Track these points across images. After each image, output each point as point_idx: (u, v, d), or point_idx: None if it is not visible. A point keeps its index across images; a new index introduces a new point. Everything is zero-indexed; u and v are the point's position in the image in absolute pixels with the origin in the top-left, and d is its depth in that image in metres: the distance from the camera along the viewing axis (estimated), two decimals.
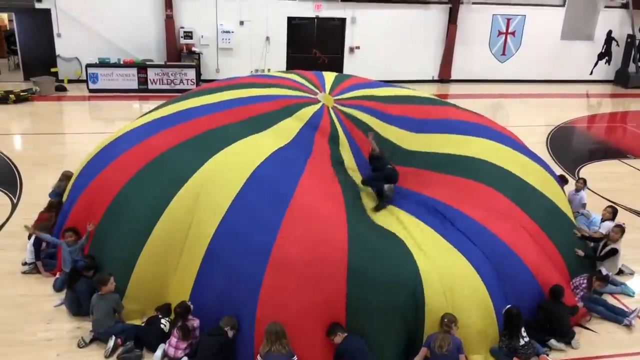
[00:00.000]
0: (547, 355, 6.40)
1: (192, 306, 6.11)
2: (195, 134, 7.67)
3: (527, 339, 6.20)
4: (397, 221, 7.23)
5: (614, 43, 21.80)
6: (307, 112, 8.97)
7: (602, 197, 10.60)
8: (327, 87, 10.07)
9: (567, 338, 6.61)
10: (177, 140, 7.53)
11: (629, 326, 7.01)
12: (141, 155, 7.34)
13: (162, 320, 6.23)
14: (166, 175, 6.94)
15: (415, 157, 8.71)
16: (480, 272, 6.41)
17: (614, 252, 7.74)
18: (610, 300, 7.51)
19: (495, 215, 7.20)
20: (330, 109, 9.33)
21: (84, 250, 7.24)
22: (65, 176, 8.76)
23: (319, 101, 9.38)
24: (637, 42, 21.47)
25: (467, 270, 6.40)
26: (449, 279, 6.23)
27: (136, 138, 7.81)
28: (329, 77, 10.58)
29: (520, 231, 7.12)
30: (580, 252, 7.57)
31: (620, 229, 7.84)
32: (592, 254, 7.81)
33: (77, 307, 6.71)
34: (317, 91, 9.76)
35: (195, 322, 6.06)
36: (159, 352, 6.06)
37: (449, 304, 6.09)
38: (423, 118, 9.36)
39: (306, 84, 10.04)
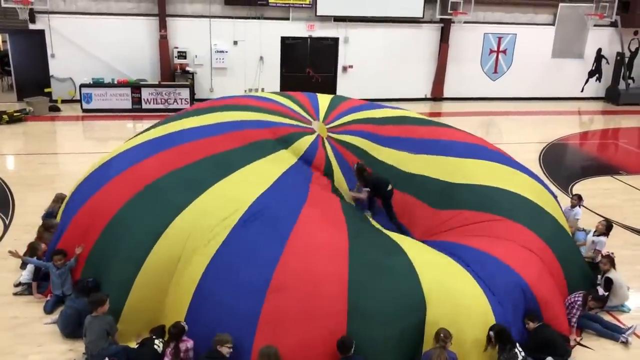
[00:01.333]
0: None
1: (186, 327, 6.03)
2: (191, 161, 7.61)
3: (523, 354, 6.15)
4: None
5: (603, 61, 22.06)
6: (302, 145, 8.93)
7: (595, 213, 10.63)
8: (321, 114, 10.11)
9: (566, 357, 6.56)
10: (173, 167, 7.48)
11: (625, 343, 6.97)
12: (136, 180, 7.31)
13: (156, 342, 6.15)
14: (162, 204, 6.89)
15: (413, 181, 8.69)
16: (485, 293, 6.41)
17: (609, 282, 7.65)
18: (606, 317, 7.48)
19: (498, 239, 7.22)
20: (325, 139, 9.35)
21: (74, 273, 7.18)
22: (58, 198, 8.72)
23: (314, 131, 9.39)
24: (626, 59, 21.75)
25: (474, 292, 6.38)
26: (455, 307, 6.19)
27: (130, 161, 7.78)
28: (323, 102, 10.59)
29: (522, 249, 7.11)
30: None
31: (609, 260, 7.81)
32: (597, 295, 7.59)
33: (71, 329, 6.61)
34: (311, 119, 9.79)
35: (189, 343, 5.98)
36: None
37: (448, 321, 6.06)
38: (419, 138, 9.37)
39: (301, 112, 10.05)
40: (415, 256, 6.68)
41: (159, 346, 6.09)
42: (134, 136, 9.52)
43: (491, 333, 6.07)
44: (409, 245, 7.06)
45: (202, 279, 6.28)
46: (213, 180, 7.24)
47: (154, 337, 6.18)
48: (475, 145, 9.36)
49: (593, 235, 8.57)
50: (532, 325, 6.54)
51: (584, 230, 9.04)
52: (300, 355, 5.78)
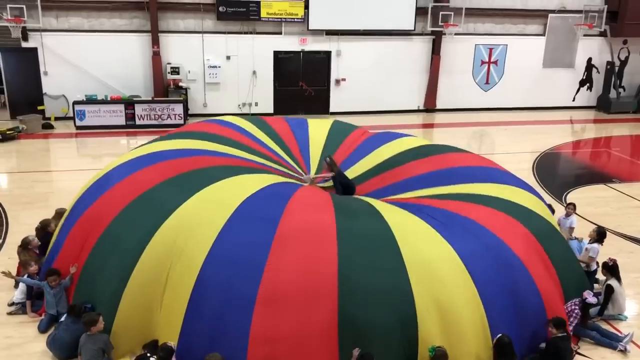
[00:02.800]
0: None
1: (174, 347, 5.95)
2: (181, 172, 7.64)
3: None
4: (398, 219, 7.16)
5: (594, 70, 22.26)
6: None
7: (589, 221, 10.67)
8: (313, 168, 10.06)
9: None
10: (163, 177, 7.50)
11: (623, 351, 6.97)
12: (126, 193, 7.32)
13: (150, 356, 6.08)
14: (150, 212, 6.89)
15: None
16: (483, 294, 6.32)
17: (610, 289, 7.64)
18: (603, 325, 7.48)
19: (499, 222, 7.20)
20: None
21: (69, 292, 7.13)
22: (58, 213, 8.70)
23: (305, 183, 9.40)
24: (616, 68, 21.96)
25: (468, 289, 6.31)
26: (445, 301, 6.14)
27: (121, 175, 7.80)
28: (315, 149, 10.45)
29: (526, 244, 7.05)
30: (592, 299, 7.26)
31: (608, 268, 7.80)
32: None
33: (66, 354, 6.52)
34: (302, 172, 9.83)
35: None
36: None
37: (441, 329, 6.03)
38: (402, 180, 9.31)
39: (290, 162, 10.05)
40: (393, 225, 6.74)
41: None
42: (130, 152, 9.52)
43: (494, 340, 6.06)
44: (409, 224, 7.03)
45: (193, 292, 6.22)
46: (201, 186, 7.23)
47: (147, 354, 6.12)
48: (473, 168, 9.26)
49: (587, 243, 8.57)
50: (554, 332, 6.43)
51: (576, 239, 9.05)
52: (294, 349, 5.82)
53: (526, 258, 6.81)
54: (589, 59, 22.15)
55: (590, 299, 7.07)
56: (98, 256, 6.88)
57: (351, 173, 9.94)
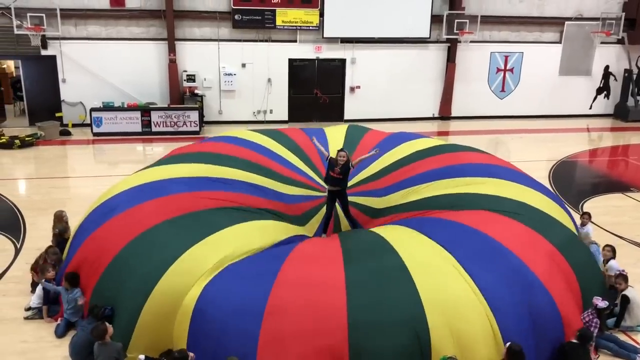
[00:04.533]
0: None
1: (191, 357, 5.91)
2: (186, 212, 7.60)
3: None
4: (405, 239, 7.10)
5: (611, 78, 22.04)
6: (318, 218, 9.13)
7: (606, 230, 10.54)
8: None
9: None
10: (175, 214, 7.48)
11: None
12: (131, 227, 7.32)
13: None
14: (161, 248, 6.86)
15: (423, 203, 8.60)
16: (494, 306, 6.19)
17: (626, 300, 7.53)
18: (621, 337, 7.37)
19: (521, 242, 7.05)
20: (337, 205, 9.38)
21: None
22: (57, 216, 8.84)
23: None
24: (634, 76, 21.72)
25: (477, 304, 6.19)
26: (456, 318, 6.03)
27: (128, 203, 7.84)
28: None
29: (548, 261, 6.94)
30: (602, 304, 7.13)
31: (623, 278, 7.68)
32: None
33: (83, 355, 6.57)
34: (326, 186, 9.77)
35: None
36: None
37: (455, 345, 5.94)
38: (423, 172, 9.36)
39: (313, 176, 10.13)
40: (408, 258, 6.55)
41: None
42: (145, 168, 9.64)
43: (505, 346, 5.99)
44: (400, 243, 6.92)
45: (197, 303, 6.22)
46: (203, 235, 7.11)
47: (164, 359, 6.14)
48: (489, 166, 9.33)
49: (604, 264, 8.43)
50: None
51: (595, 243, 8.90)
52: None
53: (547, 278, 6.68)
54: (606, 67, 21.95)
55: (601, 303, 6.94)
56: (112, 279, 6.92)
57: (369, 171, 9.99)
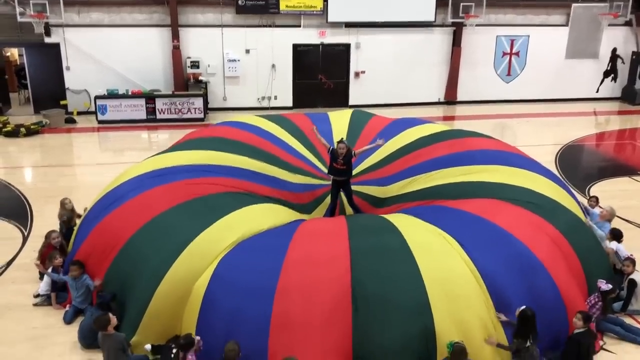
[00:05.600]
0: None
1: (198, 341, 5.93)
2: (195, 197, 7.63)
3: (531, 342, 6.07)
4: (411, 227, 7.11)
5: (619, 60, 21.82)
6: (324, 207, 9.21)
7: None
8: None
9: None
10: (184, 199, 7.51)
11: None
12: (141, 211, 7.36)
13: (174, 347, 6.10)
14: (173, 233, 6.90)
15: (427, 192, 8.59)
16: (493, 290, 6.23)
17: (633, 284, 7.52)
18: (627, 320, 7.37)
19: (525, 228, 7.05)
20: (342, 194, 9.40)
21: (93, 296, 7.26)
22: (62, 203, 8.88)
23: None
24: None
25: (474, 284, 6.22)
26: (456, 297, 6.06)
27: (137, 189, 7.87)
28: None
29: (551, 246, 6.93)
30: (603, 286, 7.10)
31: (631, 262, 7.66)
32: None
33: (90, 340, 6.65)
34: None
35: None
36: None
37: (457, 326, 5.96)
38: (428, 160, 9.34)
39: (318, 164, 10.13)
40: (410, 239, 6.59)
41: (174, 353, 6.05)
42: (155, 155, 9.65)
43: (516, 312, 6.02)
44: (404, 226, 6.95)
45: (208, 287, 6.27)
46: (223, 213, 7.18)
47: (173, 346, 6.17)
48: (493, 152, 9.28)
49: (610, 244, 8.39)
50: (579, 324, 6.33)
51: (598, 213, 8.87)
52: (314, 354, 5.76)
53: (551, 264, 6.67)
54: (614, 49, 21.72)
55: (604, 286, 6.91)
56: (123, 265, 6.95)
57: (373, 159, 9.96)
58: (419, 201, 8.47)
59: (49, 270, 7.63)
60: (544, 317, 6.29)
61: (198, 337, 6.01)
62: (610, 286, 6.95)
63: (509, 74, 21.35)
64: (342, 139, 9.21)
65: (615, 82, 22.16)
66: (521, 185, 8.00)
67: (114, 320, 6.27)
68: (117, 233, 7.22)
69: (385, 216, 7.56)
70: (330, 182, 9.21)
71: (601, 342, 6.86)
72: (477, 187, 8.11)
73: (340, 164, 8.69)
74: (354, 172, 9.73)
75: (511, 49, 21.03)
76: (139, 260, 6.78)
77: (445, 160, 9.15)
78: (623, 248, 8.09)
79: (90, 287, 7.19)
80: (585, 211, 9.05)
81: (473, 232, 6.85)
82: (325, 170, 9.73)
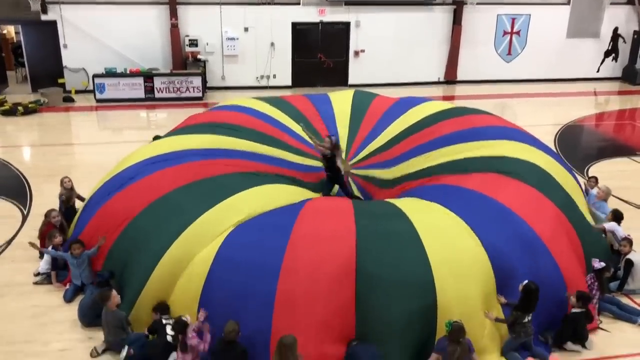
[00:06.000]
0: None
1: (189, 321, 6.00)
2: (201, 178, 7.64)
3: (530, 318, 6.15)
4: (411, 206, 7.18)
5: (620, 40, 21.66)
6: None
7: (612, 195, 10.49)
8: (343, 148, 9.95)
9: (583, 340, 6.55)
10: (189, 180, 7.52)
11: None
12: (154, 189, 7.40)
13: (167, 327, 6.13)
14: (177, 213, 6.92)
15: (432, 171, 8.61)
16: (497, 266, 6.30)
17: (630, 263, 7.56)
18: (623, 299, 7.43)
19: (527, 205, 7.09)
20: (349, 178, 9.43)
21: (96, 264, 7.29)
22: (62, 181, 8.90)
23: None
24: None
25: (483, 262, 6.28)
26: (462, 276, 6.12)
27: (143, 172, 7.88)
28: (342, 123, 10.37)
29: (553, 223, 6.96)
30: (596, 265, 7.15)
31: (628, 242, 7.70)
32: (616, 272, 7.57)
33: (90, 318, 6.72)
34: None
35: (194, 341, 5.89)
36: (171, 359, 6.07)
37: (461, 305, 6.02)
38: (432, 139, 9.31)
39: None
40: (417, 220, 6.61)
41: (170, 333, 6.11)
42: (157, 139, 9.60)
43: (520, 286, 6.09)
44: (411, 209, 6.97)
45: (212, 265, 6.29)
46: (228, 194, 7.18)
47: (162, 317, 6.22)
48: (496, 128, 9.30)
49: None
50: (574, 302, 6.40)
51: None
52: (317, 332, 5.81)
53: (552, 241, 6.73)
54: (615, 29, 21.55)
55: (597, 264, 6.97)
56: (127, 241, 6.99)
57: (380, 140, 9.94)
58: (421, 179, 8.50)
59: (49, 248, 7.65)
60: (544, 296, 6.33)
61: (202, 311, 6.07)
62: (603, 264, 7.00)
63: (509, 54, 21.21)
64: (330, 134, 8.94)
65: (616, 61, 22.03)
66: (522, 158, 8.00)
67: (117, 298, 6.33)
68: (121, 214, 7.25)
69: (392, 201, 7.54)
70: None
71: (597, 321, 6.92)
72: (479, 162, 8.12)
73: (325, 166, 8.55)
74: (360, 155, 9.74)
75: (512, 28, 20.86)
76: (141, 239, 6.82)
77: (448, 138, 9.14)
78: (620, 229, 8.13)
79: (91, 256, 7.25)
80: (585, 192, 9.08)
81: (476, 210, 6.89)
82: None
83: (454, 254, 6.25)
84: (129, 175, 7.94)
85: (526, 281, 6.14)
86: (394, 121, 10.30)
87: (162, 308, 6.31)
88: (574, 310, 6.47)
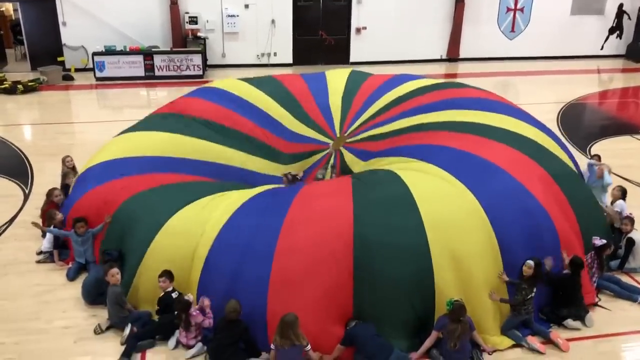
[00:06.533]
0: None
1: (191, 300, 6.05)
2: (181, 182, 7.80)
3: (533, 294, 6.20)
4: (408, 168, 7.23)
5: (625, 17, 21.41)
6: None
7: (614, 174, 10.45)
8: (336, 125, 10.01)
9: (581, 310, 6.58)
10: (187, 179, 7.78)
11: None
12: (150, 182, 7.55)
13: (174, 295, 6.18)
14: (173, 197, 7.06)
15: (419, 128, 8.66)
16: (502, 242, 6.28)
17: (631, 242, 7.56)
18: (623, 278, 7.45)
19: (517, 166, 7.05)
20: (341, 150, 9.51)
21: (96, 240, 7.32)
22: (63, 160, 8.95)
23: (331, 153, 9.61)
24: None
25: (480, 223, 6.27)
26: (458, 240, 6.13)
27: (142, 169, 7.94)
28: (335, 100, 10.31)
29: (543, 186, 6.90)
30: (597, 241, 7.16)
31: (630, 220, 7.68)
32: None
33: (93, 297, 6.76)
34: (329, 141, 9.79)
35: (198, 318, 5.97)
36: (172, 342, 6.13)
37: (458, 279, 6.05)
38: (428, 103, 9.27)
39: (319, 138, 9.91)
40: (414, 186, 6.63)
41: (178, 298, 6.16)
42: (122, 133, 9.42)
43: (530, 262, 6.12)
44: (407, 175, 7.00)
45: (210, 249, 6.33)
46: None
47: (171, 291, 6.23)
48: (494, 101, 9.23)
49: (611, 205, 8.39)
50: (568, 268, 6.45)
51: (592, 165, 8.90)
52: (311, 303, 5.86)
53: (546, 202, 6.67)
54: (620, 5, 21.27)
55: (598, 242, 6.99)
56: (125, 216, 7.06)
57: (370, 111, 9.97)
58: (410, 133, 8.55)
59: (51, 227, 7.67)
60: (541, 252, 6.40)
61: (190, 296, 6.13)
62: (604, 241, 7.02)
63: (512, 31, 20.98)
64: (288, 173, 9.06)
65: (620, 39, 21.80)
66: (511, 130, 7.93)
67: (116, 275, 6.32)
68: (115, 192, 7.37)
69: (390, 168, 7.55)
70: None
71: (596, 299, 6.95)
72: (467, 126, 8.06)
73: None
74: (352, 127, 9.80)
75: (515, 5, 20.60)
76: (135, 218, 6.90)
77: (437, 104, 9.08)
78: (626, 206, 8.12)
79: (96, 233, 7.30)
80: (589, 169, 8.99)
81: (469, 168, 6.90)
82: (327, 140, 9.84)
83: (450, 221, 6.25)
84: (93, 175, 8.01)
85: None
86: (385, 94, 10.25)
87: (168, 274, 6.24)
88: (565, 271, 6.51)
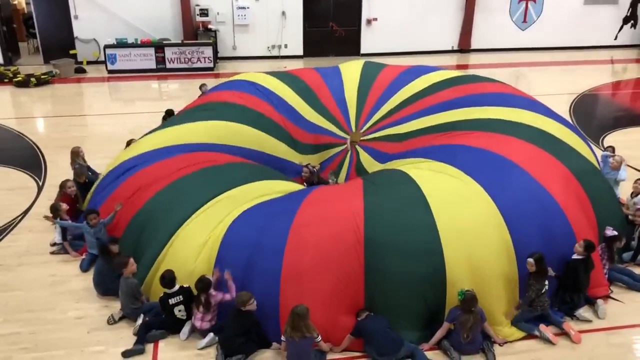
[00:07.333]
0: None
1: (212, 279, 6.13)
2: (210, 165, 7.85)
3: (546, 288, 6.19)
4: (420, 167, 7.24)
5: (639, 6, 21.11)
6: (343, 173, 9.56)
7: (628, 165, 10.37)
8: (352, 120, 10.02)
9: (583, 294, 6.58)
10: (207, 164, 7.77)
11: None
12: (175, 170, 7.60)
13: (173, 304, 6.20)
14: (196, 192, 7.13)
15: (440, 128, 8.59)
16: (512, 226, 6.25)
17: None
18: (636, 270, 7.39)
19: (536, 162, 7.01)
20: (357, 147, 9.60)
21: (116, 232, 7.37)
22: (73, 152, 9.04)
23: (348, 149, 9.71)
24: None
25: (495, 225, 6.24)
26: (473, 243, 6.09)
27: (162, 156, 8.03)
28: (351, 102, 10.28)
29: (564, 185, 6.87)
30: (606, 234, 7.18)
31: None
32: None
33: (104, 288, 6.84)
34: (346, 136, 9.82)
35: (218, 297, 6.05)
36: (185, 329, 6.18)
37: (470, 274, 6.03)
38: (443, 101, 9.22)
39: (336, 131, 9.93)
40: (427, 188, 6.60)
41: (180, 309, 6.21)
42: (156, 129, 9.58)
43: (531, 260, 6.08)
44: (419, 175, 6.99)
45: (221, 246, 6.37)
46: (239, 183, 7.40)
47: (167, 292, 6.26)
48: (515, 96, 9.18)
49: (632, 197, 8.33)
50: (579, 250, 6.40)
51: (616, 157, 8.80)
52: (324, 303, 5.88)
53: (564, 203, 6.64)
54: None
55: (610, 232, 6.95)
56: (149, 212, 7.10)
57: (386, 107, 9.90)
58: (429, 135, 8.53)
59: (58, 219, 7.74)
60: (559, 260, 6.40)
61: (219, 272, 6.19)
62: (615, 232, 6.98)
63: (524, 21, 20.79)
64: (308, 164, 9.16)
65: (634, 28, 21.53)
66: (532, 125, 7.89)
67: (133, 266, 6.41)
68: (132, 201, 7.39)
69: (402, 169, 7.51)
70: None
71: (609, 291, 6.92)
72: (486, 124, 8.04)
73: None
74: (370, 123, 9.77)
75: None
76: (151, 225, 6.94)
77: (455, 102, 9.02)
78: None
79: (107, 224, 7.38)
80: (602, 160, 8.92)
81: (487, 168, 6.86)
82: (344, 135, 9.88)
83: (463, 221, 6.21)
84: (135, 163, 8.04)
85: (533, 252, 6.11)
86: (401, 89, 10.17)
87: (167, 279, 6.23)
88: (574, 257, 6.47)
